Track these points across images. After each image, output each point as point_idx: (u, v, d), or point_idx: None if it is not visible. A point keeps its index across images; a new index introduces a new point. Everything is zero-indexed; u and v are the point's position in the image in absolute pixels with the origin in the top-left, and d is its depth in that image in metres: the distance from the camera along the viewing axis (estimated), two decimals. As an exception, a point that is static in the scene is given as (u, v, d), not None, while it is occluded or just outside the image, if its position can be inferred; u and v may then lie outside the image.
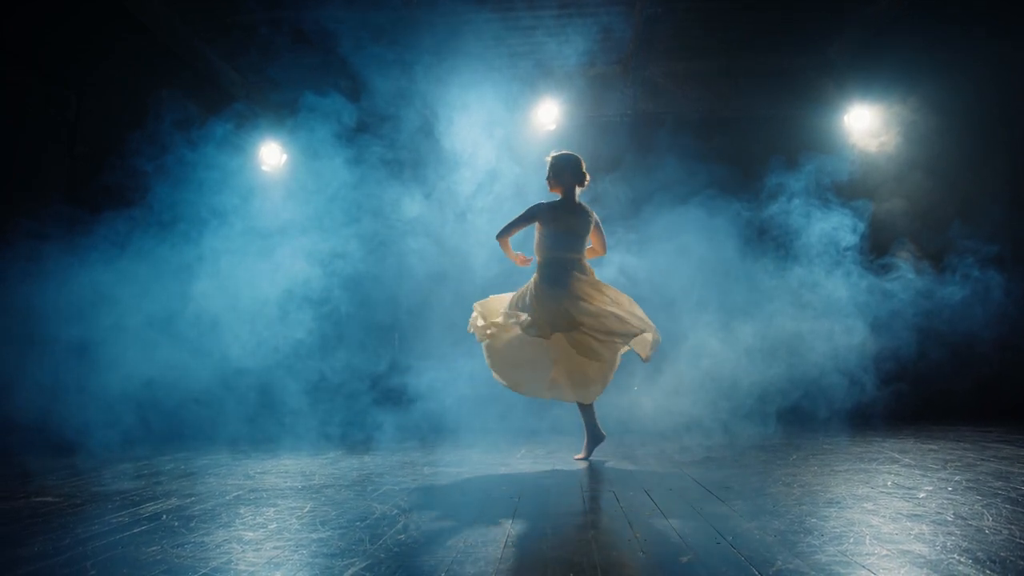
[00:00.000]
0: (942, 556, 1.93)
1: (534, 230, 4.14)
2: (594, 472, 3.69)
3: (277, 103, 7.06)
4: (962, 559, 1.90)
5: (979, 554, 1.94)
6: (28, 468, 4.38)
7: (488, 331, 4.02)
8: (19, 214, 5.64)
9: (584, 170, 4.13)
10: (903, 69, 6.39)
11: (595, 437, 4.09)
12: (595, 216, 4.17)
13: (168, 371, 5.65)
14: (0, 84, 6.22)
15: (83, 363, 5.69)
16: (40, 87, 6.67)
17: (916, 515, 2.43)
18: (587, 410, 4.11)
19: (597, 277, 4.11)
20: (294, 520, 2.63)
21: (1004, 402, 6.01)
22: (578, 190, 4.13)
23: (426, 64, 5.93)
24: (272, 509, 2.86)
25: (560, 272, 3.97)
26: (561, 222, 4.03)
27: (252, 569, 1.99)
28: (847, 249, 5.96)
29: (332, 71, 6.13)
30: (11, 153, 6.25)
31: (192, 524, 2.60)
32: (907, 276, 6.00)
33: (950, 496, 2.74)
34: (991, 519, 2.34)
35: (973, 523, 2.29)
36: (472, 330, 4.14)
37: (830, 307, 5.91)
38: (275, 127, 6.74)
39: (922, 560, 1.90)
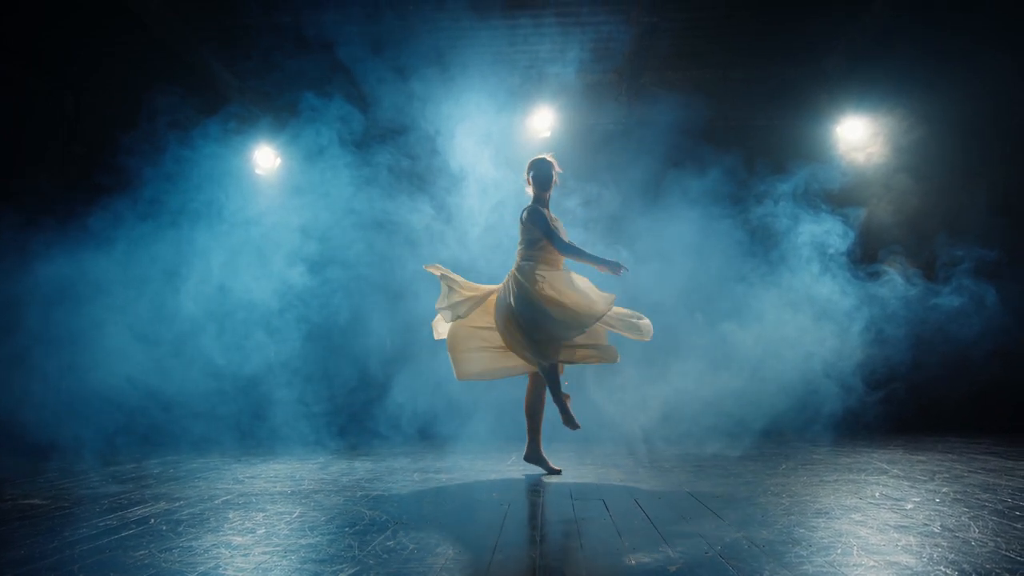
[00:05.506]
0: (929, 568, 1.94)
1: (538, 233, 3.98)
2: (584, 480, 3.69)
3: (274, 107, 7.06)
4: (948, 571, 1.91)
5: (965, 566, 1.95)
6: (13, 470, 4.34)
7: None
8: (14, 210, 5.61)
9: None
10: (895, 80, 6.45)
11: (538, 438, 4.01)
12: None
13: (158, 373, 5.62)
14: (-1, 80, 6.22)
15: (72, 361, 5.65)
16: (39, 84, 6.65)
17: (904, 526, 2.44)
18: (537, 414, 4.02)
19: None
20: (283, 525, 2.62)
21: (994, 412, 6.05)
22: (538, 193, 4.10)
23: (424, 74, 5.94)
24: (261, 514, 2.85)
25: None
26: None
27: (240, 574, 1.98)
28: (837, 256, 6.00)
29: (329, 78, 6.13)
30: (8, 149, 6.23)
31: (180, 528, 2.58)
32: (897, 284, 6.04)
33: (937, 508, 2.76)
34: (978, 531, 2.36)
35: (960, 535, 2.31)
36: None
37: (821, 314, 5.94)
38: (271, 131, 6.74)
39: (909, 572, 1.91)
